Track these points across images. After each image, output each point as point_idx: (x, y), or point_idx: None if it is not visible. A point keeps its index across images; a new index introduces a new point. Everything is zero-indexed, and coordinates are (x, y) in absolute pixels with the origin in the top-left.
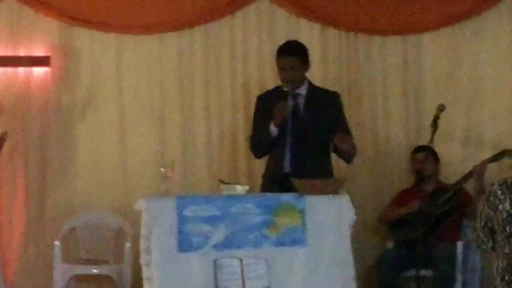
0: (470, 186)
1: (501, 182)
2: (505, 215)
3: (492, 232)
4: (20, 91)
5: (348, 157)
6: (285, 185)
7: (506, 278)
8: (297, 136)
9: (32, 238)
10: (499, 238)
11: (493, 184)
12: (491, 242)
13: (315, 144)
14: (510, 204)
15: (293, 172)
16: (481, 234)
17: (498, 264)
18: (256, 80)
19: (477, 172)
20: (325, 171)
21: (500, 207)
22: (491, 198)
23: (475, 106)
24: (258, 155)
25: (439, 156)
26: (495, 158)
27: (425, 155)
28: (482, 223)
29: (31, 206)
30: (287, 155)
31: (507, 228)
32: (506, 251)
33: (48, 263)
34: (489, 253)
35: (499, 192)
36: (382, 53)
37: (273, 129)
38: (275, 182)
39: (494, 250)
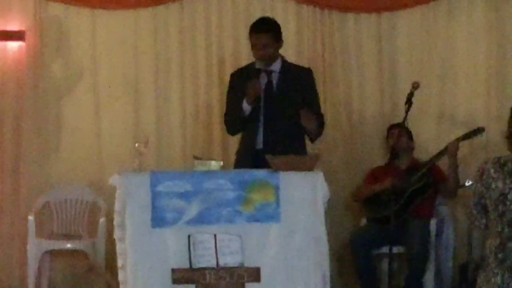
0: (444, 164)
1: (494, 161)
2: (497, 194)
3: (486, 210)
4: None
5: (312, 136)
6: (259, 162)
7: (499, 256)
8: (270, 113)
9: (6, 212)
10: (492, 217)
11: (486, 162)
12: (484, 219)
13: (288, 121)
14: (502, 183)
15: (266, 148)
16: (474, 212)
17: (491, 242)
18: (231, 57)
19: (450, 150)
20: (299, 148)
21: (493, 185)
22: (484, 176)
23: (449, 84)
24: (232, 132)
25: (413, 134)
26: (468, 136)
27: (399, 130)
28: (476, 201)
29: (6, 181)
30: (260, 131)
31: (500, 207)
32: (499, 229)
33: (22, 238)
34: (481, 229)
35: (492, 171)
36: (356, 30)
37: (246, 106)
38: (248, 158)
39: (487, 228)
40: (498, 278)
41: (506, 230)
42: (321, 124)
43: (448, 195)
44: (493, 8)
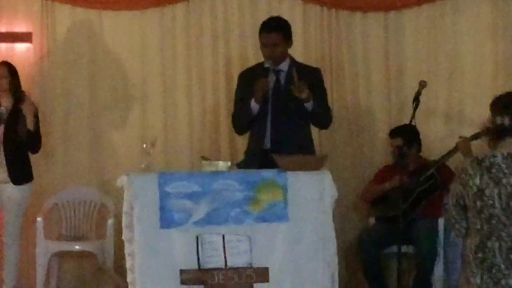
0: (451, 162)
1: (472, 159)
2: (475, 190)
3: (465, 211)
4: None
5: (321, 120)
6: (266, 161)
7: (479, 255)
8: (278, 112)
9: None
10: (470, 215)
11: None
12: (464, 221)
13: (296, 120)
14: (479, 179)
15: (273, 148)
16: (453, 213)
17: (470, 242)
18: (238, 56)
19: (463, 148)
20: (307, 147)
21: (470, 182)
22: (462, 175)
23: (456, 82)
24: (240, 132)
25: (420, 133)
26: (477, 136)
27: (400, 142)
28: (454, 201)
29: None
30: (268, 131)
31: (477, 203)
32: (478, 227)
33: (31, 240)
34: (462, 235)
35: (470, 169)
36: (363, 29)
37: (254, 105)
38: (256, 158)
39: (466, 231)
40: (477, 279)
41: (485, 227)
42: (329, 116)
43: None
44: (499, 5)
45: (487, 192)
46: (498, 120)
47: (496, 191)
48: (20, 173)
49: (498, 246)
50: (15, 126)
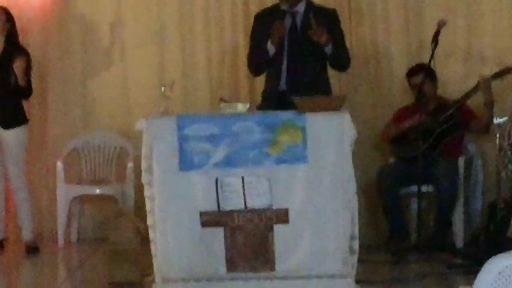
0: (472, 101)
1: None
2: None
3: None
4: (20, 14)
5: (339, 62)
6: (282, 104)
7: None
8: (294, 54)
9: (35, 158)
10: None
11: None
12: None
13: (312, 62)
14: None
15: (289, 90)
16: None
17: None
18: None
19: (484, 86)
20: (323, 89)
21: None
22: None
23: (476, 22)
24: (255, 73)
25: (440, 74)
26: (498, 75)
27: (421, 79)
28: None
29: (33, 127)
30: (284, 73)
31: None
32: None
33: (51, 184)
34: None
35: None
36: None
37: (270, 47)
38: (272, 100)
39: None
40: None
41: None
42: (348, 58)
43: (481, 132)
44: None
45: None
46: None
47: None
48: (10, 117)
49: None
50: (4, 73)
